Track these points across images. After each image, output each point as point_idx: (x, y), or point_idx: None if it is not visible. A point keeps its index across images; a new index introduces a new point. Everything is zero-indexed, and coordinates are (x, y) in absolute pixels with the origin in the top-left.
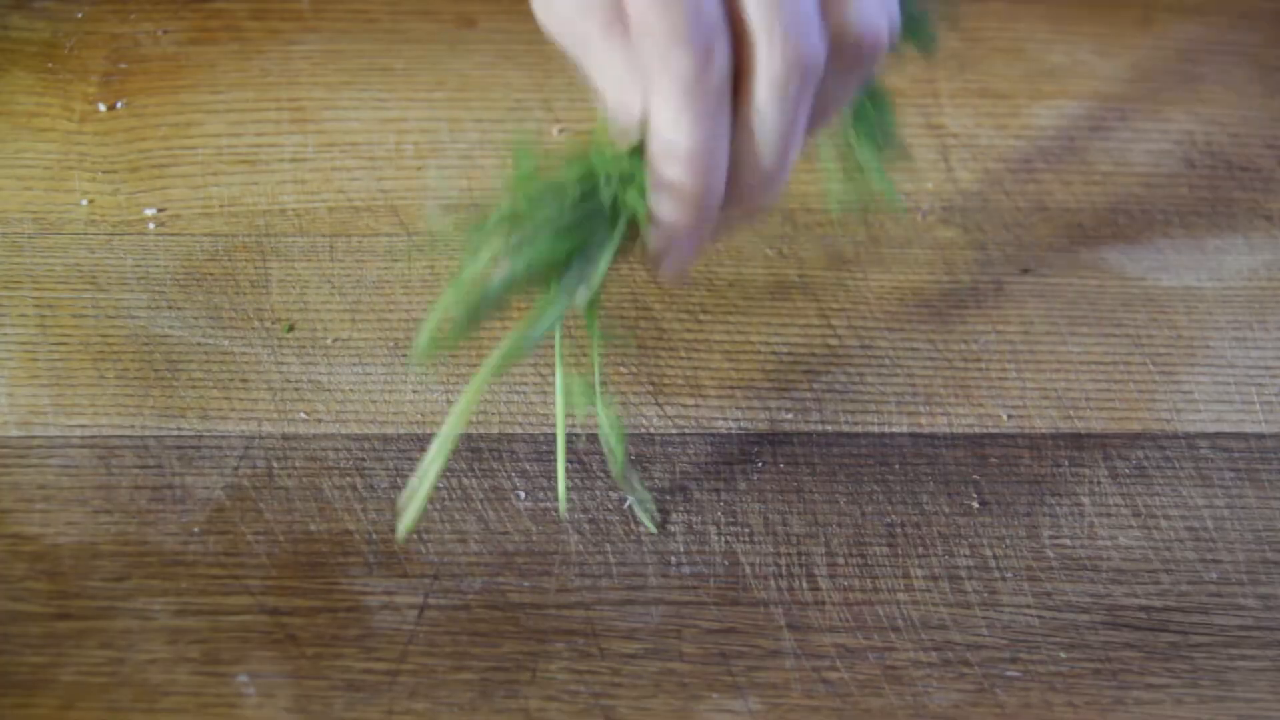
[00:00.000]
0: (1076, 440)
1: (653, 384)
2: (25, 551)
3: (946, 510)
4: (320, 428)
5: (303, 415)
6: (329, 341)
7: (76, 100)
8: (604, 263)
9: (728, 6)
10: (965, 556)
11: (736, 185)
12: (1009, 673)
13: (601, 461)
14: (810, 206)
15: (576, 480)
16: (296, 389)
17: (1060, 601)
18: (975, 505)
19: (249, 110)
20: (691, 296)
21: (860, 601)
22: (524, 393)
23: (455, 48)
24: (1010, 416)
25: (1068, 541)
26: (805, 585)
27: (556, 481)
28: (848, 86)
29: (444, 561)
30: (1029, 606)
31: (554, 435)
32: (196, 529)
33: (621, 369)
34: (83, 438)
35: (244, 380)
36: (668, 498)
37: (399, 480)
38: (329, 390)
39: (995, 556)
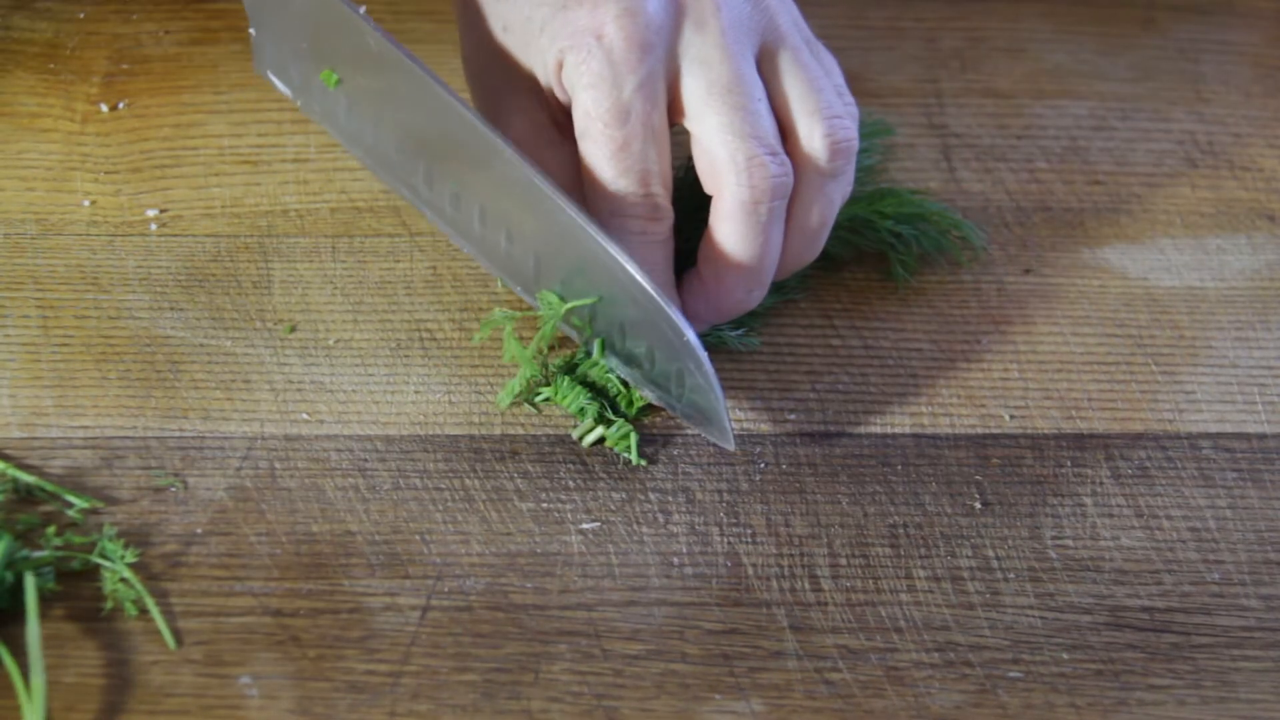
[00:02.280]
0: (1079, 440)
1: None
2: None
3: (949, 511)
4: (323, 429)
5: (305, 416)
6: (331, 342)
7: (79, 101)
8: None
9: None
10: (968, 557)
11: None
12: (1011, 674)
13: (603, 461)
14: None
15: (579, 481)
16: (299, 390)
17: (1063, 602)
18: (978, 506)
19: (251, 111)
20: None
21: (863, 602)
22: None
23: (457, 48)
24: (1012, 417)
25: (1070, 542)
26: (808, 586)
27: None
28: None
29: (446, 562)
30: (1031, 607)
31: (555, 437)
32: (199, 530)
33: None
34: (85, 439)
35: (246, 381)
36: (670, 499)
37: (401, 481)
38: (331, 391)
39: (998, 557)
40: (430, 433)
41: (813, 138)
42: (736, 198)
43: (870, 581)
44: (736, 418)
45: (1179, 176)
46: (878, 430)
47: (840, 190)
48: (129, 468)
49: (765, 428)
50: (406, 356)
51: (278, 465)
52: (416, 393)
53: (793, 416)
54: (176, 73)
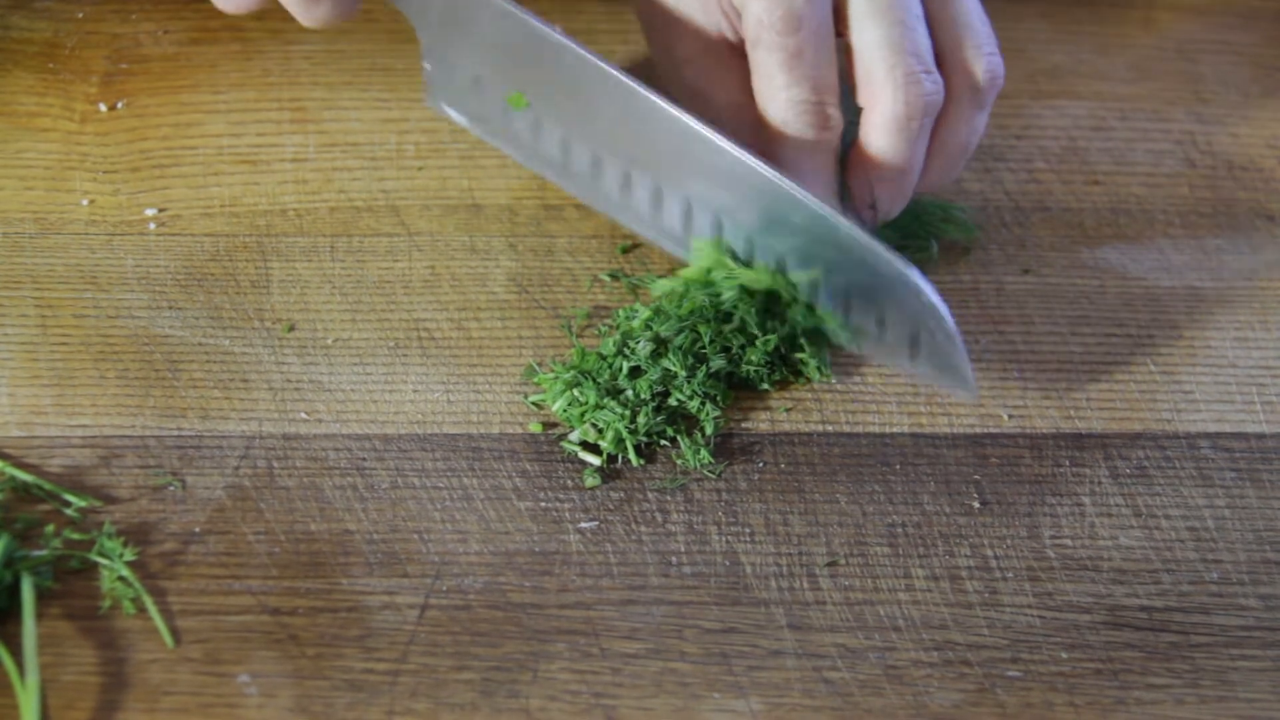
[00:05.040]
0: (1077, 440)
1: None
2: None
3: (947, 510)
4: (321, 428)
5: (303, 415)
6: (330, 341)
7: (77, 100)
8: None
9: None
10: (966, 556)
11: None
12: (1010, 673)
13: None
14: None
15: (577, 480)
16: (297, 389)
17: (1061, 601)
18: (976, 505)
19: (250, 110)
20: None
21: (861, 601)
22: (525, 393)
23: None
24: (1011, 416)
25: (1069, 541)
26: (806, 585)
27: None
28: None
29: (445, 561)
30: (1030, 606)
31: (554, 436)
32: (197, 529)
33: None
34: (84, 437)
35: (245, 380)
36: (668, 498)
37: (400, 480)
38: (330, 390)
39: (996, 556)
40: (428, 432)
41: (972, 69)
42: (890, 111)
43: (869, 580)
44: (735, 417)
45: (1178, 177)
46: (876, 430)
47: (984, 121)
48: (127, 467)
49: (764, 427)
50: (405, 356)
51: (276, 464)
52: (415, 392)
53: (791, 416)
54: (175, 72)
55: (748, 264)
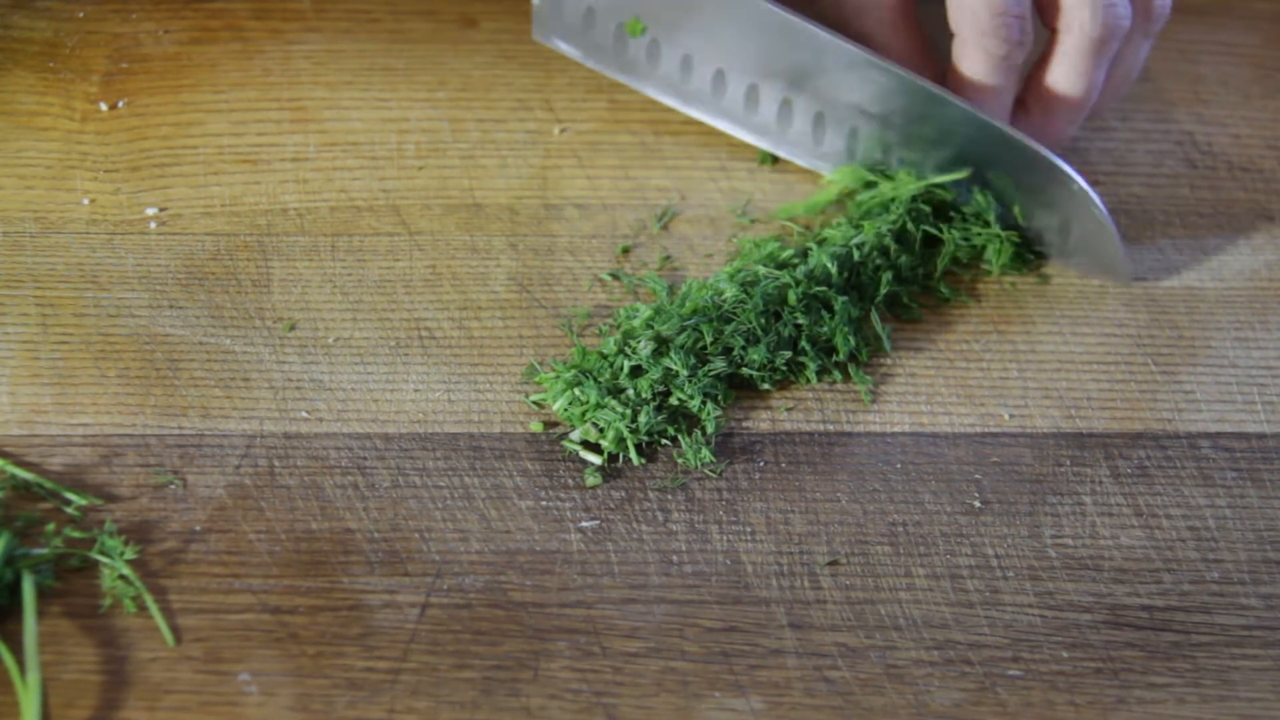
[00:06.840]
0: (1078, 440)
1: None
2: None
3: (948, 509)
4: (322, 426)
5: (304, 414)
6: (330, 340)
7: (78, 99)
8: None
9: None
10: (967, 555)
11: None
12: (1011, 672)
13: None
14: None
15: (578, 479)
16: (298, 388)
17: (1062, 601)
18: (977, 504)
19: (250, 110)
20: None
21: (862, 600)
22: (525, 392)
23: (457, 47)
24: (1012, 416)
25: (1069, 541)
26: (807, 584)
27: None
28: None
29: (446, 560)
30: (1031, 606)
31: (554, 435)
32: (198, 527)
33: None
34: (84, 436)
35: (245, 379)
36: (669, 497)
37: (400, 479)
38: (330, 389)
39: (997, 555)
40: (429, 431)
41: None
42: (1088, 34)
43: (870, 579)
44: (736, 416)
45: (1178, 177)
46: (877, 429)
47: (1147, 53)
48: (128, 465)
49: (764, 426)
50: (405, 355)
51: (277, 463)
52: (416, 391)
53: (792, 415)
54: (176, 71)
55: (889, 175)
